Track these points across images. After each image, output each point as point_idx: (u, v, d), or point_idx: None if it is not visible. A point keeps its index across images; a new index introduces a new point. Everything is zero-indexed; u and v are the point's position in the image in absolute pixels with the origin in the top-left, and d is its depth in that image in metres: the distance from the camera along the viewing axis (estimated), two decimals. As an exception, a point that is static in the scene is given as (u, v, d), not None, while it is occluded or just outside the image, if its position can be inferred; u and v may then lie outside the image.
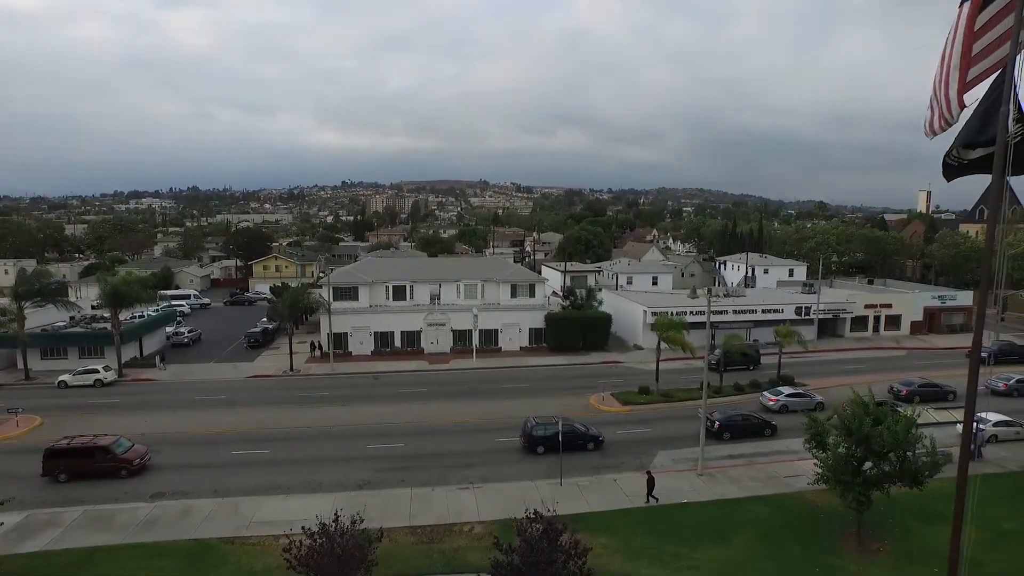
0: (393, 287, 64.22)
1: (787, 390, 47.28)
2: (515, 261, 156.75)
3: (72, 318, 62.22)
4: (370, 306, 63.28)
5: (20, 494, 31.90)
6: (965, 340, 69.24)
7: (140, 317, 65.04)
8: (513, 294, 65.26)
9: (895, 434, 26.32)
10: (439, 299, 64.77)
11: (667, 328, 46.92)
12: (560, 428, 34.95)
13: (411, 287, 64.48)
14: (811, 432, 29.19)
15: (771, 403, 46.13)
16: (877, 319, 71.19)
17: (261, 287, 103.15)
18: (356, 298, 63.12)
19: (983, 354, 53.20)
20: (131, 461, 34.94)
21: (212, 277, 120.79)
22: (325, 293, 63.09)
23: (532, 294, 65.61)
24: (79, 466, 34.25)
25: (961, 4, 8.62)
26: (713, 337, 62.14)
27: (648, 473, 32.02)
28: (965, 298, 73.76)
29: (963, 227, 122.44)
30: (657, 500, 31.36)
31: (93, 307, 70.46)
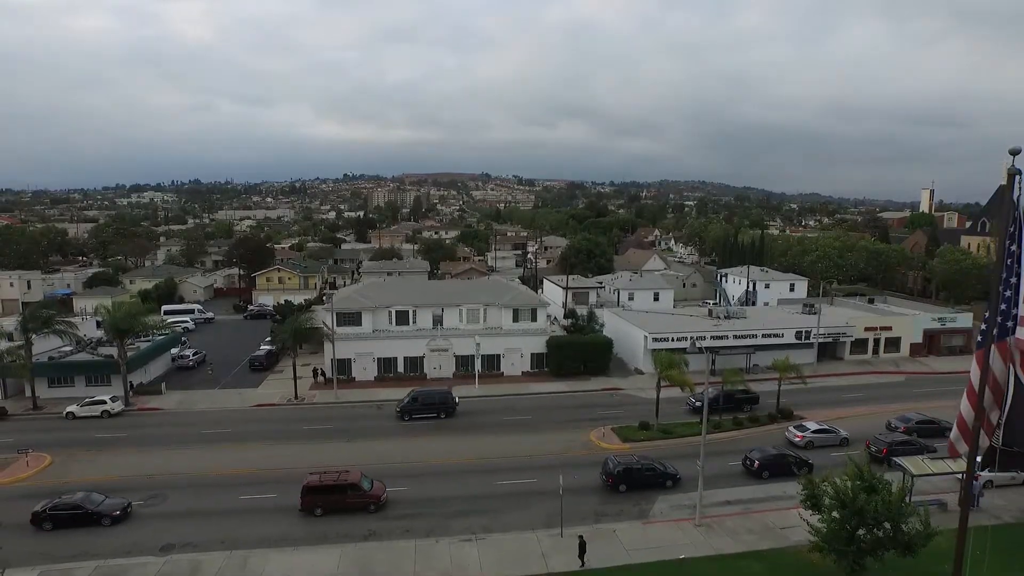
0: (396, 312, 64.69)
1: (813, 425, 47.82)
2: (517, 265, 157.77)
3: (78, 342, 62.84)
4: (373, 331, 63.79)
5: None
6: (965, 363, 69.35)
7: (147, 339, 65.58)
8: (515, 318, 65.71)
9: (888, 505, 26.89)
10: (442, 324, 65.25)
11: (667, 367, 47.37)
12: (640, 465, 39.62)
13: (414, 312, 64.94)
14: (806, 493, 29.87)
15: (797, 439, 46.61)
16: (877, 341, 71.57)
17: (265, 299, 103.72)
18: (359, 323, 63.59)
19: (697, 403, 52.08)
20: (378, 497, 37.28)
21: (216, 286, 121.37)
22: (328, 316, 63.59)
23: (534, 318, 66.05)
24: (334, 501, 36.53)
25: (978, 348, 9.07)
26: (713, 362, 62.87)
27: (580, 537, 32.16)
28: (965, 320, 74.08)
29: (964, 239, 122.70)
30: (583, 564, 31.01)
31: (98, 324, 70.98)
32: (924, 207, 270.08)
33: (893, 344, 71.86)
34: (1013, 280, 8.46)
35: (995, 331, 9.13)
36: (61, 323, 57.34)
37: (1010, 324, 8.61)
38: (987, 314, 8.75)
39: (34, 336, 55.38)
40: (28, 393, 56.24)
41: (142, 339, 62.84)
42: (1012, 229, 8.21)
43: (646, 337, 63.66)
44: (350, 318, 63.52)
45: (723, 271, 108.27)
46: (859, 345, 71.06)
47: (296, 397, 58.04)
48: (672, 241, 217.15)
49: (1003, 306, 8.78)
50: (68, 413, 53.01)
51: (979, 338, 9.22)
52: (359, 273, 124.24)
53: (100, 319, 66.44)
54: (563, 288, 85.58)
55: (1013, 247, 8.34)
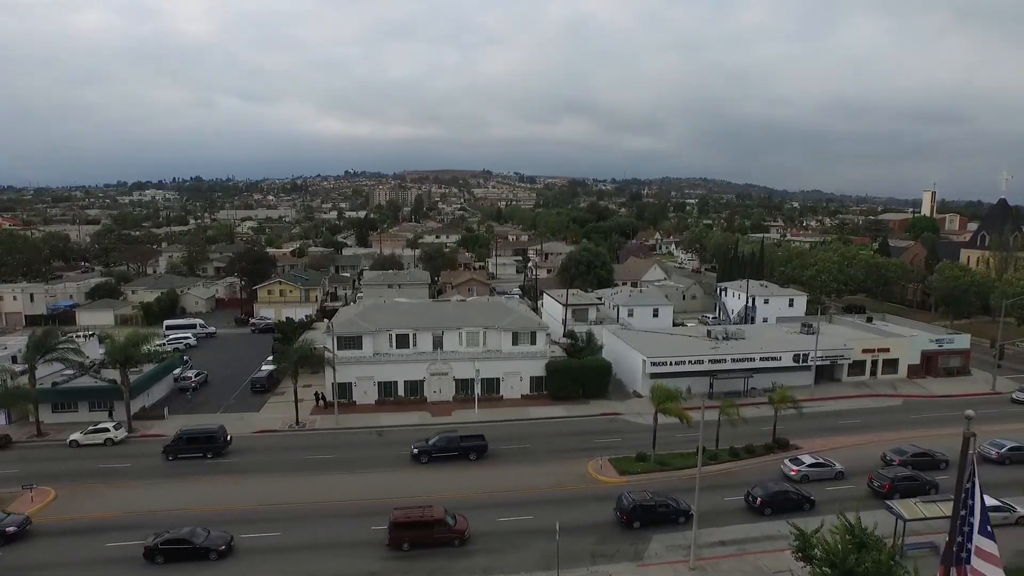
0: (396, 335, 65.16)
1: (808, 459, 48.10)
2: (518, 272, 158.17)
3: (82, 364, 63.34)
4: (374, 355, 64.24)
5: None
6: (962, 386, 69.98)
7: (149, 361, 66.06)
8: (515, 342, 66.15)
9: (879, 563, 27.32)
10: (442, 346, 65.72)
11: (665, 399, 47.78)
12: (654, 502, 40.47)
13: (414, 335, 65.42)
14: (798, 544, 30.40)
15: (792, 473, 46.83)
16: (875, 363, 71.82)
17: (266, 311, 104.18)
18: (360, 347, 64.05)
19: (415, 451, 50.73)
20: (462, 532, 38.14)
21: (217, 296, 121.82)
22: (327, 338, 64.07)
23: (533, 341, 66.49)
24: (421, 537, 37.49)
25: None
26: (711, 385, 63.40)
27: None
28: (963, 341, 74.44)
29: (964, 253, 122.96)
30: None
31: (100, 340, 71.48)
32: (926, 209, 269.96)
33: (891, 365, 72.08)
34: (971, 519, 9.16)
35: (955, 555, 9.93)
36: (65, 349, 57.79)
37: (964, 555, 9.39)
38: (949, 538, 9.49)
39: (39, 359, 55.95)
40: (32, 419, 56.79)
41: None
42: (968, 486, 8.90)
43: (644, 361, 64.02)
44: (351, 342, 64.00)
45: (723, 284, 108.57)
46: (857, 366, 71.22)
47: (297, 423, 58.54)
48: (673, 245, 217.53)
49: (959, 539, 9.55)
50: (72, 441, 53.58)
51: (942, 553, 10.09)
52: (360, 283, 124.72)
53: (103, 336, 67.16)
54: (563, 305, 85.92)
55: (970, 501, 9.02)
